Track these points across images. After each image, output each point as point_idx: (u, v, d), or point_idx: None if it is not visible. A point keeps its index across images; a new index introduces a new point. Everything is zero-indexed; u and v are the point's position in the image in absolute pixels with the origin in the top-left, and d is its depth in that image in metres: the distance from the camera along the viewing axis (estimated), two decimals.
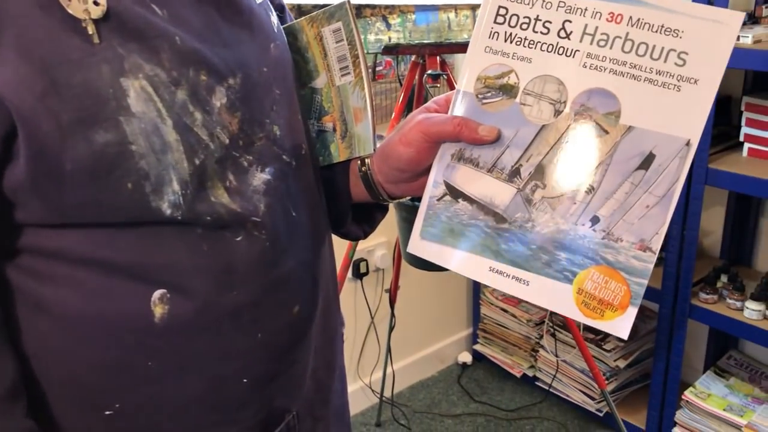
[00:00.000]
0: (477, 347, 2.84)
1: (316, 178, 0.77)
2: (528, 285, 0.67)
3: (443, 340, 2.84)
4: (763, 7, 1.99)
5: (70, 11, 0.54)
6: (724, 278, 2.09)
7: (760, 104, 1.91)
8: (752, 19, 2.00)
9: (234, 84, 0.63)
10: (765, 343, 1.93)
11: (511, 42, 0.68)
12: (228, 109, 0.62)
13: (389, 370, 2.49)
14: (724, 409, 2.06)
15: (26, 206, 0.56)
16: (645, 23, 0.63)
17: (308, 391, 0.77)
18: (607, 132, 0.64)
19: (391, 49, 1.73)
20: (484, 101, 0.69)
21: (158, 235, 0.60)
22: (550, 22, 0.66)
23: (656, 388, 2.22)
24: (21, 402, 0.60)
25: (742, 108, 1.95)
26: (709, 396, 2.12)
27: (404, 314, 2.51)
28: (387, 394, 2.54)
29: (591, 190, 0.65)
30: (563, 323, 2.47)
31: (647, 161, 0.63)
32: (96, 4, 0.54)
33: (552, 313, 2.49)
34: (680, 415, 2.16)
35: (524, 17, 0.67)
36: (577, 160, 0.65)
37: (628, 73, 0.63)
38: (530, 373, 2.64)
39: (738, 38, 0.61)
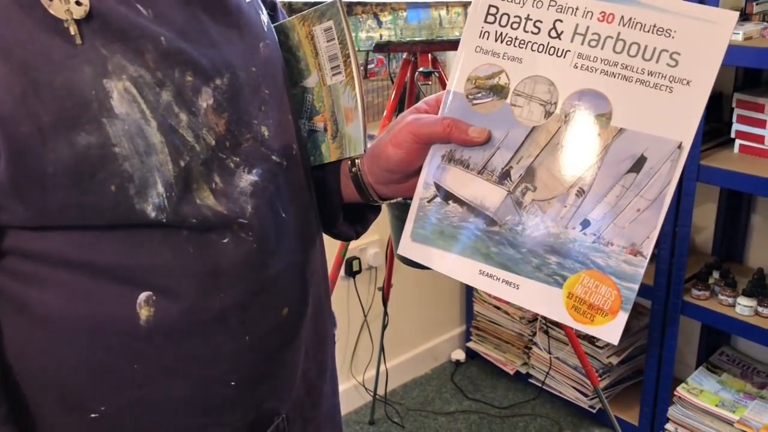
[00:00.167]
0: (470, 345, 2.84)
1: (307, 179, 0.77)
2: (518, 289, 0.66)
3: (436, 338, 2.84)
4: (754, 3, 2.00)
5: (51, 11, 0.53)
6: (716, 274, 2.10)
7: (751, 101, 1.91)
8: (743, 16, 2.00)
9: (221, 84, 0.62)
10: (757, 339, 1.94)
11: (501, 42, 0.67)
12: (215, 110, 0.61)
13: (382, 368, 2.49)
14: (716, 405, 2.07)
15: (8, 209, 0.55)
16: (637, 23, 0.62)
17: (299, 393, 0.77)
18: (598, 134, 0.63)
19: (382, 47, 1.72)
20: (475, 102, 0.68)
21: (143, 238, 0.59)
22: (541, 22, 0.65)
23: (649, 385, 2.22)
24: (2, 408, 0.59)
25: (733, 105, 1.96)
26: (701, 392, 2.13)
27: (397, 312, 2.51)
28: (380, 392, 2.54)
29: (582, 193, 0.64)
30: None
31: (638, 164, 0.62)
32: (78, 4, 0.54)
33: None
34: (673, 411, 2.17)
35: (515, 16, 0.66)
36: (567, 163, 0.65)
37: (619, 74, 0.62)
38: (523, 371, 2.64)
39: None
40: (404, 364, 2.72)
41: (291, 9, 1.57)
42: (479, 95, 0.68)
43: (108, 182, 0.55)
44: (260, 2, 0.74)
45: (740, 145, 1.97)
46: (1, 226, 0.57)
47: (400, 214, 1.81)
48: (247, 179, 0.64)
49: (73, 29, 0.53)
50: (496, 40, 0.67)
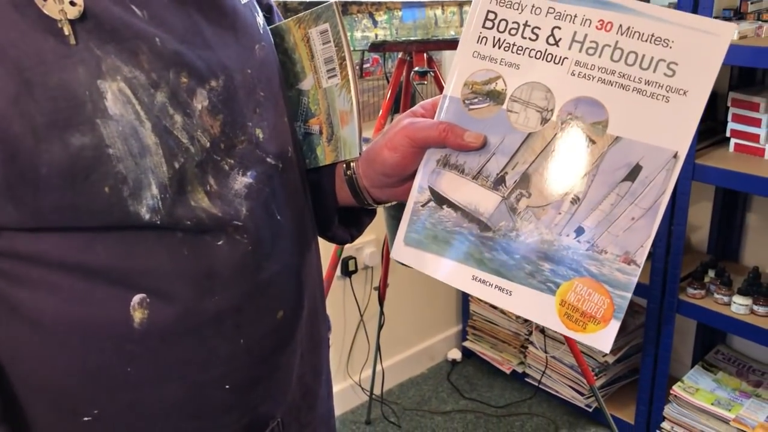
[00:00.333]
0: (466, 344, 2.84)
1: (303, 181, 0.76)
2: (511, 295, 0.66)
3: (433, 338, 2.84)
4: (749, 2, 2.00)
5: (45, 11, 0.52)
6: (711, 273, 2.11)
7: (746, 100, 1.92)
8: (738, 15, 2.00)
9: (216, 86, 0.61)
10: (752, 337, 1.94)
11: (499, 47, 0.67)
12: (209, 112, 0.61)
13: (379, 367, 2.49)
14: (712, 404, 2.08)
15: (1, 210, 0.55)
16: (635, 32, 0.62)
17: (294, 396, 0.76)
18: (593, 142, 0.63)
19: (377, 47, 1.72)
20: (471, 107, 0.68)
21: (137, 240, 0.59)
22: (539, 29, 0.65)
23: (645, 383, 2.23)
24: None
25: (728, 104, 1.96)
26: (697, 390, 2.14)
27: (393, 312, 2.51)
28: (377, 391, 2.54)
29: (576, 200, 0.64)
30: None
31: (634, 172, 0.62)
32: (72, 4, 0.53)
33: None
34: (669, 410, 2.17)
35: (513, 23, 0.66)
36: (562, 170, 0.64)
37: (616, 83, 0.62)
38: (520, 370, 2.64)
39: None
40: (400, 363, 2.72)
41: (286, 8, 1.56)
42: (476, 100, 0.68)
43: (102, 184, 0.55)
44: (256, 4, 0.74)
45: (735, 144, 1.97)
46: None
47: (397, 214, 1.80)
48: (241, 181, 0.64)
49: (67, 29, 0.53)
50: (493, 46, 0.67)
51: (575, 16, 0.64)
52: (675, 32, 0.60)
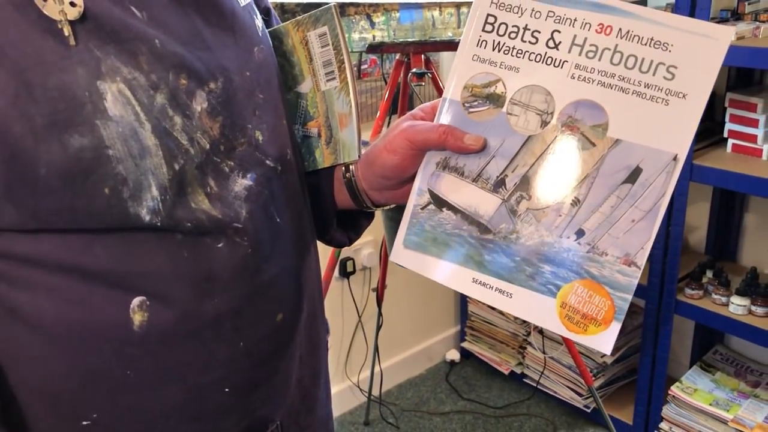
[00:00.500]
0: (465, 345, 2.84)
1: (302, 184, 0.76)
2: (511, 297, 0.66)
3: (431, 338, 2.84)
4: (746, 3, 2.00)
5: (45, 12, 0.52)
6: (709, 274, 2.11)
7: (744, 100, 1.92)
8: (735, 16, 2.00)
9: (215, 88, 0.61)
10: (750, 337, 1.94)
11: (499, 51, 0.67)
12: (209, 114, 0.61)
13: (377, 368, 2.49)
14: (710, 404, 2.08)
15: (0, 211, 0.55)
16: (634, 35, 0.62)
17: (293, 399, 0.76)
18: (593, 144, 0.63)
19: (375, 48, 1.72)
20: (471, 110, 0.68)
21: (137, 242, 0.58)
22: (539, 32, 0.65)
23: (643, 384, 2.23)
24: None
25: (726, 104, 1.96)
26: (695, 391, 2.14)
27: (392, 313, 2.51)
28: (375, 392, 2.54)
29: (576, 202, 0.64)
30: None
31: (634, 175, 0.62)
32: (72, 5, 0.53)
33: None
34: (667, 410, 2.17)
35: (513, 26, 0.66)
36: (563, 172, 0.65)
37: (616, 86, 0.62)
38: (518, 370, 2.64)
39: None
40: (399, 364, 2.72)
41: (284, 10, 1.56)
42: (475, 103, 0.68)
43: (101, 185, 0.55)
44: (255, 7, 0.74)
45: (733, 144, 1.97)
46: None
47: (394, 216, 1.81)
48: (241, 184, 0.64)
49: (67, 30, 0.53)
50: (493, 49, 0.67)
51: (575, 19, 0.64)
52: (674, 36, 0.61)
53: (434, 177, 0.70)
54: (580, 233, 0.64)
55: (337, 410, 2.48)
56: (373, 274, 2.51)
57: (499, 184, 0.67)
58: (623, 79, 0.62)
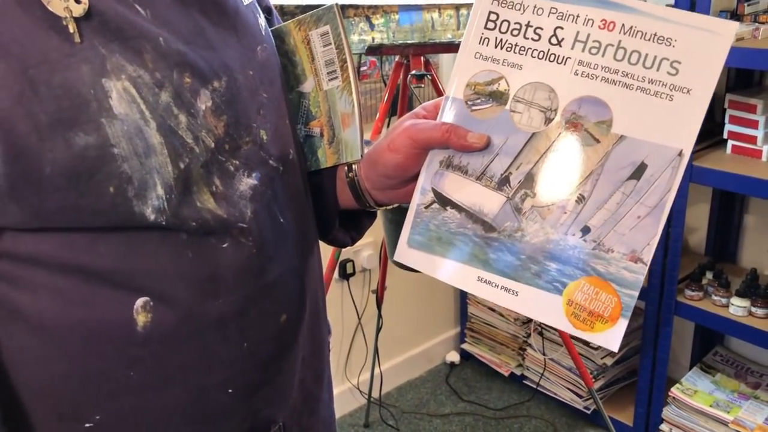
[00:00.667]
0: (465, 346, 2.84)
1: (304, 184, 0.76)
2: (517, 295, 0.66)
3: (431, 340, 2.84)
4: (745, 4, 2.01)
5: (50, 9, 0.52)
6: (709, 275, 2.11)
7: (743, 101, 1.92)
8: (734, 17, 2.01)
9: (219, 87, 0.61)
10: (750, 339, 1.94)
11: (501, 48, 0.67)
12: (213, 113, 0.61)
13: (377, 370, 2.49)
14: (710, 406, 2.08)
15: (3, 210, 0.54)
16: (638, 31, 0.62)
17: (296, 401, 0.76)
18: (598, 141, 0.63)
19: (374, 50, 1.72)
20: (474, 108, 0.68)
21: (141, 241, 0.58)
22: (542, 29, 0.65)
23: (643, 385, 2.23)
24: None
25: (725, 105, 1.96)
26: (695, 392, 2.14)
27: (391, 314, 2.51)
28: (375, 394, 2.53)
29: (582, 199, 0.64)
30: None
31: (639, 171, 0.62)
32: (77, 1, 0.53)
33: None
34: (667, 412, 2.17)
35: (515, 23, 0.66)
36: (567, 169, 0.64)
37: (620, 82, 0.62)
38: (518, 372, 2.64)
39: None
40: (399, 366, 2.72)
41: (283, 12, 1.56)
42: (478, 101, 0.68)
43: (106, 183, 0.55)
44: (258, 6, 0.74)
45: (732, 145, 1.97)
46: None
47: (394, 218, 1.81)
48: (247, 183, 0.64)
49: (72, 27, 0.53)
50: (496, 47, 0.67)
51: (578, 16, 0.64)
52: (677, 31, 0.60)
53: (438, 176, 0.70)
54: (585, 230, 0.64)
55: (336, 412, 2.46)
56: (373, 275, 2.51)
57: (504, 182, 0.67)
58: (627, 75, 0.62)
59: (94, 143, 0.53)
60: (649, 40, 0.61)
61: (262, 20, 0.72)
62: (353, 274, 2.44)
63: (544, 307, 0.65)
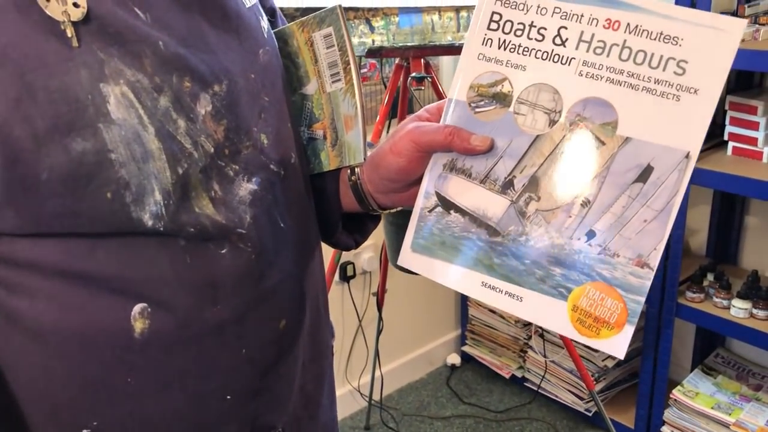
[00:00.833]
0: (465, 349, 2.83)
1: (307, 188, 0.75)
2: (521, 301, 0.65)
3: (431, 342, 2.83)
4: (746, 6, 2.01)
5: (48, 13, 0.51)
6: (710, 277, 2.10)
7: (744, 103, 1.92)
8: None
9: (219, 91, 0.61)
10: (752, 340, 1.94)
11: (504, 49, 0.66)
12: (213, 117, 0.60)
13: (377, 373, 2.48)
14: (712, 408, 2.07)
15: (1, 215, 0.54)
16: (643, 30, 0.60)
17: (295, 406, 0.75)
18: (603, 143, 0.62)
19: (374, 52, 1.72)
20: (477, 110, 0.67)
21: (139, 247, 0.58)
22: (545, 29, 0.64)
23: (644, 387, 2.22)
24: None
25: (726, 107, 1.96)
26: (697, 394, 2.13)
27: (392, 317, 2.50)
28: (376, 397, 2.53)
29: (587, 203, 0.63)
30: None
31: (645, 174, 0.61)
32: (76, 5, 0.52)
33: None
34: (669, 414, 2.17)
35: (518, 23, 0.65)
36: (572, 172, 0.63)
37: (625, 82, 0.61)
38: (519, 374, 2.64)
39: None
40: (399, 368, 2.71)
41: (283, 14, 1.56)
42: (482, 103, 0.67)
43: (104, 189, 0.54)
44: (261, 8, 0.73)
45: (733, 147, 1.97)
46: None
47: (395, 220, 1.80)
48: (246, 188, 0.63)
49: (70, 31, 0.52)
50: (499, 48, 0.66)
51: (582, 15, 0.62)
52: (684, 30, 0.59)
53: (441, 179, 0.69)
54: (590, 234, 0.62)
55: (337, 415, 2.47)
56: (374, 278, 2.50)
57: (508, 185, 0.66)
58: (632, 75, 0.61)
59: (91, 149, 0.53)
60: (655, 39, 0.60)
61: (264, 23, 0.71)
62: (354, 276, 2.44)
63: (548, 313, 0.64)
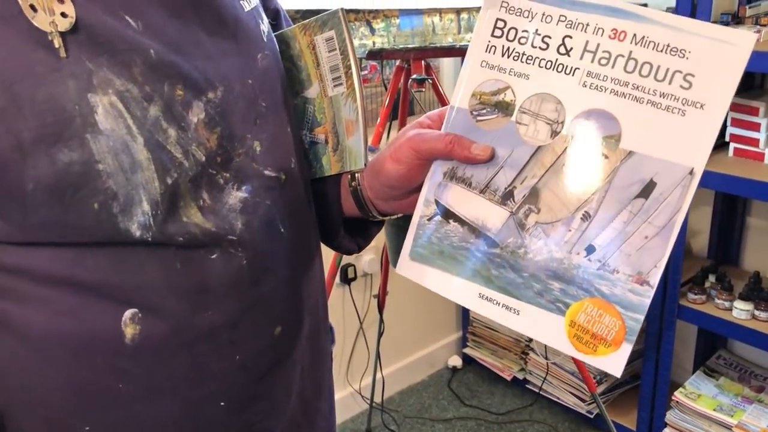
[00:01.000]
0: (467, 351, 2.83)
1: (307, 193, 0.75)
2: (518, 314, 0.64)
3: (433, 344, 2.83)
4: (747, 7, 2.00)
5: (35, 23, 0.51)
6: (712, 278, 2.10)
7: (745, 104, 1.92)
8: (735, 20, 2.00)
9: (214, 98, 0.60)
10: (754, 342, 1.93)
11: (508, 57, 0.64)
12: (206, 125, 0.59)
13: (379, 375, 2.48)
14: (714, 409, 2.07)
15: None
16: (650, 41, 0.58)
17: (293, 413, 0.75)
18: (606, 156, 0.60)
19: (375, 54, 1.71)
20: (479, 118, 0.66)
21: (128, 254, 0.57)
22: (550, 37, 0.62)
23: (646, 389, 2.22)
24: None
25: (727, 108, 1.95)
26: (699, 396, 2.13)
27: (393, 319, 2.50)
28: (377, 399, 2.53)
29: (587, 217, 0.61)
30: None
31: (647, 189, 0.59)
32: (64, 15, 0.52)
33: None
34: (670, 416, 2.16)
35: (523, 31, 0.64)
36: (573, 185, 0.62)
37: (630, 95, 0.59)
38: (520, 376, 2.63)
39: None
40: (400, 371, 2.71)
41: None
42: (484, 111, 0.66)
43: (91, 200, 0.54)
44: (261, 11, 0.72)
45: (735, 148, 1.97)
46: None
47: (397, 222, 1.79)
48: (236, 196, 0.62)
49: (57, 42, 0.51)
50: (502, 55, 0.65)
51: (587, 24, 0.61)
52: (692, 42, 0.57)
53: (441, 187, 0.68)
54: (590, 249, 0.61)
55: (338, 418, 2.45)
56: (375, 280, 2.50)
57: (508, 196, 0.65)
58: (637, 87, 0.59)
59: (78, 159, 0.52)
60: (661, 51, 0.58)
61: (264, 26, 0.71)
62: (354, 278, 2.43)
63: (545, 327, 0.62)
